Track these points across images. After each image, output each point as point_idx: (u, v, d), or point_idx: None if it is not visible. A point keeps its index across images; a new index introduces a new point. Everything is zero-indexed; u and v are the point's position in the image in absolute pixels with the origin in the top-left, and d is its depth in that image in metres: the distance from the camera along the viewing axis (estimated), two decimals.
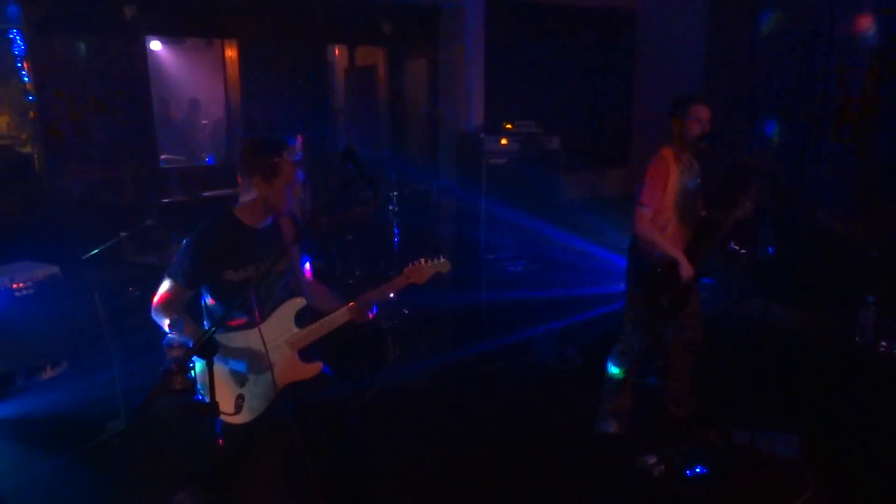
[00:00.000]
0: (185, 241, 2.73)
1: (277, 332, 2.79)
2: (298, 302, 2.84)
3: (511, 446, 3.97)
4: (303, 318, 2.84)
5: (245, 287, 2.66)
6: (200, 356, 2.21)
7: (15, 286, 3.57)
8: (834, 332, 4.16)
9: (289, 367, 2.81)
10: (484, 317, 5.40)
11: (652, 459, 3.64)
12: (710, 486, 3.50)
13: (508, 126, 5.71)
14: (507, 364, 5.09)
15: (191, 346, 2.45)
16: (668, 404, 4.09)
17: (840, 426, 3.73)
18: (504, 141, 5.62)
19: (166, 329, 2.56)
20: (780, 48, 5.61)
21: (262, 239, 2.78)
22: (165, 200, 4.94)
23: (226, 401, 2.73)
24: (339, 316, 2.83)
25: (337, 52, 6.90)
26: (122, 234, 4.43)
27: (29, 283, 3.62)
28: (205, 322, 2.84)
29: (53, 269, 3.75)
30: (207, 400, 2.21)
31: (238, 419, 2.75)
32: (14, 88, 4.59)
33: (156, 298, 2.72)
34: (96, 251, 4.36)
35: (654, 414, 4.15)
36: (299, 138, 4.85)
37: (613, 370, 3.90)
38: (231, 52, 5.47)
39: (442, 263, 2.96)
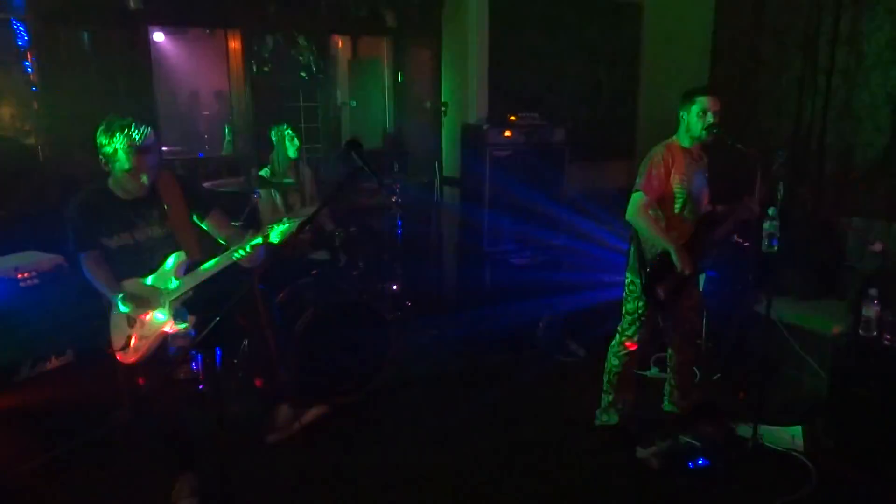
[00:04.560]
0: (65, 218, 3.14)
1: (160, 285, 3.10)
2: (178, 256, 3.11)
3: (513, 437, 3.97)
4: (184, 272, 3.13)
5: (123, 252, 3.07)
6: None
7: (20, 276, 3.58)
8: (837, 325, 4.15)
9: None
10: (487, 308, 5.39)
11: (654, 451, 3.65)
12: (712, 479, 3.50)
13: (512, 118, 5.68)
14: (510, 355, 5.09)
15: (193, 335, 2.52)
16: (671, 396, 4.09)
17: (843, 420, 3.73)
18: (508, 133, 5.59)
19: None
20: (785, 40, 5.58)
21: (136, 208, 3.11)
22: None
23: (119, 338, 3.11)
24: (209, 268, 3.03)
25: (340, 43, 6.87)
26: None
27: (34, 274, 3.64)
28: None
29: (58, 259, 3.76)
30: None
31: (126, 358, 3.07)
32: (17, 79, 4.58)
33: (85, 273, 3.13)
34: None
35: (656, 406, 4.16)
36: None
37: (614, 362, 3.90)
38: (234, 43, 5.46)
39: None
